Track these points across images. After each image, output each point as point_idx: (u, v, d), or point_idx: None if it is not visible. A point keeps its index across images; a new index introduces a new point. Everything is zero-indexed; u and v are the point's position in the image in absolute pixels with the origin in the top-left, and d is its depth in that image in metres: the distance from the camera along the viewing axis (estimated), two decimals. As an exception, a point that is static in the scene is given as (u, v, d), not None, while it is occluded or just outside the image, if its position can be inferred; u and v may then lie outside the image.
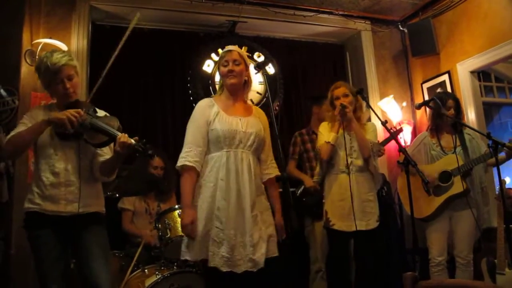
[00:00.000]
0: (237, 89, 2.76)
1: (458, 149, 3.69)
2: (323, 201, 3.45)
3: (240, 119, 2.69)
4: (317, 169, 3.62)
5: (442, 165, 3.68)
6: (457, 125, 3.75)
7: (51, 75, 2.51)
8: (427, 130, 3.94)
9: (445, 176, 3.62)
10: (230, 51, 2.77)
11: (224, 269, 2.45)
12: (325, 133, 3.40)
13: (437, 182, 3.63)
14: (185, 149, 2.64)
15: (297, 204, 4.05)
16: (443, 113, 3.68)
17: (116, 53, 2.58)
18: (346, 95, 3.38)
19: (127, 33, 2.60)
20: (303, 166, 4.32)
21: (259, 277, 2.52)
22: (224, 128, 2.61)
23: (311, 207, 3.98)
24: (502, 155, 3.45)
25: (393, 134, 3.51)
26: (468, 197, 3.59)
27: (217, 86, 4.86)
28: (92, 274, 2.49)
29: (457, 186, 3.58)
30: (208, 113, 2.68)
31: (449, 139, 3.78)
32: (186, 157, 2.60)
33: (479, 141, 3.73)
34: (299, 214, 4.16)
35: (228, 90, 2.77)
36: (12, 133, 2.50)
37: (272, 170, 2.81)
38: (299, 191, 4.13)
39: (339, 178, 3.35)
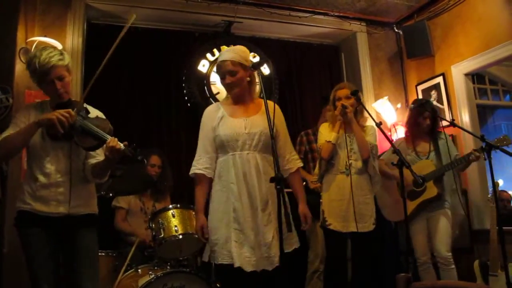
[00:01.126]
0: (242, 94, 2.75)
1: (432, 154, 3.79)
2: (320, 200, 3.45)
3: (244, 120, 2.68)
4: (316, 168, 3.60)
5: (415, 170, 3.67)
6: (433, 132, 3.86)
7: (40, 75, 2.47)
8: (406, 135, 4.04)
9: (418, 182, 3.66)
10: (223, 61, 2.69)
11: (249, 269, 2.48)
12: (325, 133, 3.41)
13: (411, 187, 3.71)
14: (196, 156, 2.71)
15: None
16: (421, 121, 3.81)
17: (108, 56, 2.55)
18: (348, 97, 3.36)
19: (122, 34, 2.58)
20: (306, 166, 4.32)
21: (272, 275, 2.54)
22: (226, 133, 2.63)
23: (313, 206, 3.98)
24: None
25: (394, 144, 3.54)
26: (442, 198, 3.71)
27: (212, 86, 4.94)
28: (78, 282, 2.49)
29: (430, 191, 3.69)
30: (212, 119, 2.71)
31: (424, 145, 3.88)
32: (196, 165, 2.67)
33: (450, 145, 3.81)
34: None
35: (232, 98, 2.78)
36: (3, 135, 2.46)
37: (293, 164, 2.79)
38: None
39: (337, 179, 3.34)
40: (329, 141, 3.31)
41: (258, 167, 2.63)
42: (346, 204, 3.26)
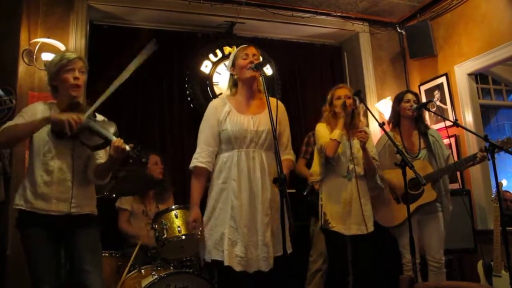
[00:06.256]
0: (254, 83, 2.74)
1: (423, 152, 3.61)
2: (320, 203, 3.44)
3: (251, 117, 2.67)
4: (315, 168, 3.52)
5: (411, 172, 3.44)
6: (421, 126, 3.67)
7: (66, 63, 2.54)
8: (388, 125, 3.81)
9: (415, 184, 3.43)
10: (247, 46, 2.78)
11: (238, 268, 2.48)
12: (325, 132, 3.38)
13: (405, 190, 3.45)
14: (197, 149, 2.68)
15: (304, 203, 4.05)
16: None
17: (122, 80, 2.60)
18: (348, 97, 3.36)
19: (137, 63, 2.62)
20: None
21: (267, 276, 2.53)
22: (234, 128, 2.62)
23: (316, 206, 3.98)
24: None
25: (397, 145, 3.49)
26: (437, 201, 3.54)
27: (215, 87, 4.93)
28: (83, 279, 2.50)
29: (429, 194, 3.50)
30: (219, 113, 2.69)
31: (414, 141, 3.67)
32: (198, 158, 2.65)
33: (442, 144, 3.66)
34: (306, 214, 4.18)
35: (245, 84, 2.75)
36: (8, 124, 2.48)
37: (289, 154, 2.81)
38: (306, 191, 4.13)
39: (339, 182, 3.32)
40: (334, 139, 3.24)
41: (263, 165, 2.62)
42: (347, 207, 3.26)
